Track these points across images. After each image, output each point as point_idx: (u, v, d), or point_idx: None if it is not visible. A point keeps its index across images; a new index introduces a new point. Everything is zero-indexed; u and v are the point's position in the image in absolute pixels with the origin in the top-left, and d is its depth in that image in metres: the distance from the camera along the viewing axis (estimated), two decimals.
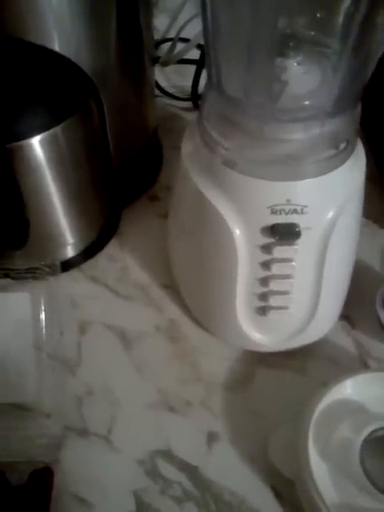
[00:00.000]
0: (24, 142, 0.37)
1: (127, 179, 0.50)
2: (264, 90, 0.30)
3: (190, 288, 0.44)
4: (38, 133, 0.37)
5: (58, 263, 0.42)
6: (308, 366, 0.42)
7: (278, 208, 0.35)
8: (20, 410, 0.38)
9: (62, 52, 0.36)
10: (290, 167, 0.34)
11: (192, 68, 0.59)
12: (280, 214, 0.35)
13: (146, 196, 0.53)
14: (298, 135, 0.33)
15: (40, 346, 0.39)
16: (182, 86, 0.63)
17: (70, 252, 0.47)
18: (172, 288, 0.46)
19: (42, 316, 0.40)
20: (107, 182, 0.47)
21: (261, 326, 0.40)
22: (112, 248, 0.49)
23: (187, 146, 0.39)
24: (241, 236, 0.36)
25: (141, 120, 0.50)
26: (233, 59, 0.31)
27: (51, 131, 0.38)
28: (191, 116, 0.60)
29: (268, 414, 0.39)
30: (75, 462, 0.37)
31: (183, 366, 0.42)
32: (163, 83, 0.63)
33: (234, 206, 0.35)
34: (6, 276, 0.41)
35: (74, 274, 0.47)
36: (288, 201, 0.34)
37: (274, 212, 0.35)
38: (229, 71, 0.31)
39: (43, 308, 0.39)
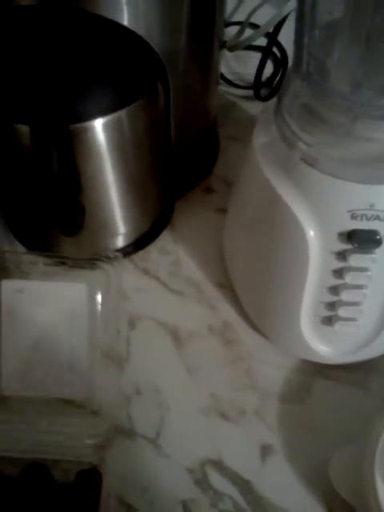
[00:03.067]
0: (87, 124, 0.35)
1: (183, 169, 0.48)
2: (378, 83, 0.27)
3: (249, 290, 0.41)
4: (103, 115, 0.35)
5: (119, 254, 0.40)
6: (370, 381, 0.40)
7: (360, 213, 0.32)
8: (70, 406, 0.36)
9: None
10: (376, 170, 0.31)
11: (254, 54, 0.56)
12: (361, 219, 0.32)
13: (201, 188, 0.51)
14: None
15: (94, 342, 0.37)
16: (241, 73, 0.60)
17: (120, 242, 0.45)
18: (227, 287, 0.44)
19: (99, 310, 0.38)
20: (165, 172, 0.45)
21: (324, 336, 0.37)
22: (164, 240, 0.47)
23: (260, 138, 0.36)
24: (315, 240, 0.33)
25: (204, 107, 0.47)
26: (340, 49, 0.28)
27: (116, 114, 0.35)
28: (251, 106, 0.58)
29: (326, 429, 0.37)
30: (122, 464, 0.36)
31: (237, 371, 0.40)
32: (223, 69, 0.60)
33: (309, 207, 0.33)
34: (62, 264, 0.39)
35: (124, 264, 0.45)
36: (371, 206, 0.32)
37: (354, 217, 0.32)
38: (332, 61, 0.28)
39: (100, 301, 0.37)
